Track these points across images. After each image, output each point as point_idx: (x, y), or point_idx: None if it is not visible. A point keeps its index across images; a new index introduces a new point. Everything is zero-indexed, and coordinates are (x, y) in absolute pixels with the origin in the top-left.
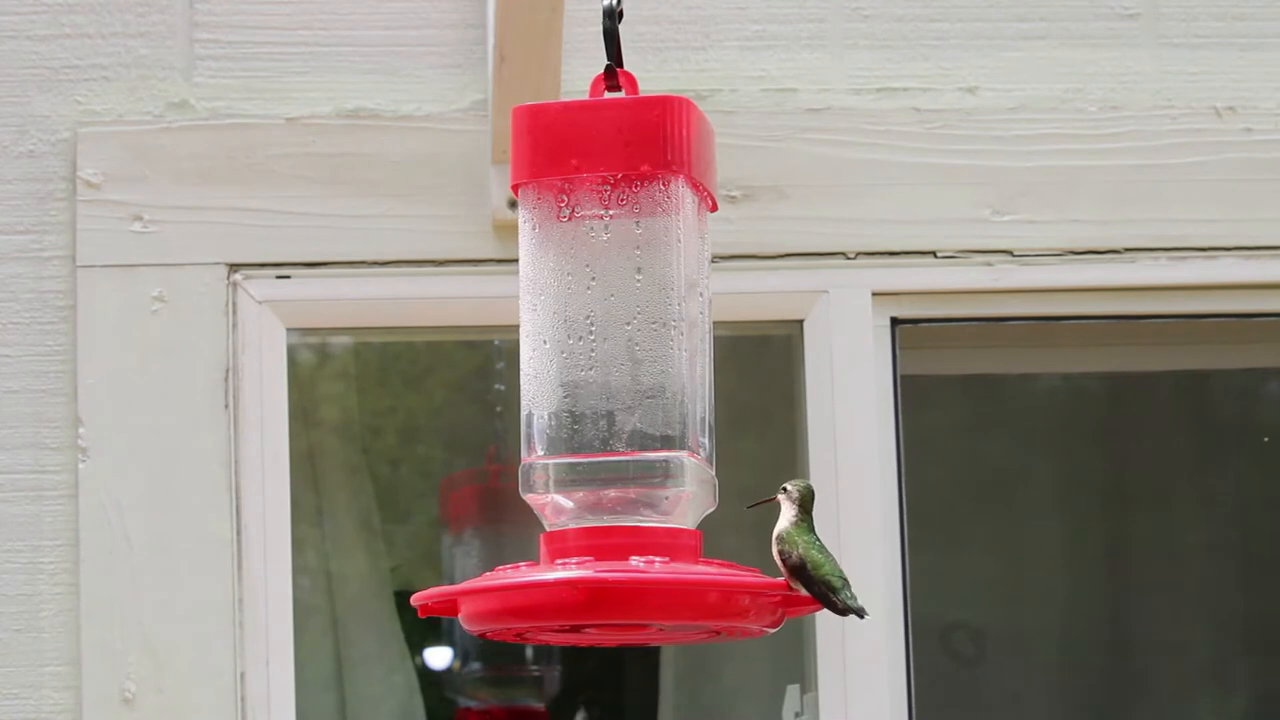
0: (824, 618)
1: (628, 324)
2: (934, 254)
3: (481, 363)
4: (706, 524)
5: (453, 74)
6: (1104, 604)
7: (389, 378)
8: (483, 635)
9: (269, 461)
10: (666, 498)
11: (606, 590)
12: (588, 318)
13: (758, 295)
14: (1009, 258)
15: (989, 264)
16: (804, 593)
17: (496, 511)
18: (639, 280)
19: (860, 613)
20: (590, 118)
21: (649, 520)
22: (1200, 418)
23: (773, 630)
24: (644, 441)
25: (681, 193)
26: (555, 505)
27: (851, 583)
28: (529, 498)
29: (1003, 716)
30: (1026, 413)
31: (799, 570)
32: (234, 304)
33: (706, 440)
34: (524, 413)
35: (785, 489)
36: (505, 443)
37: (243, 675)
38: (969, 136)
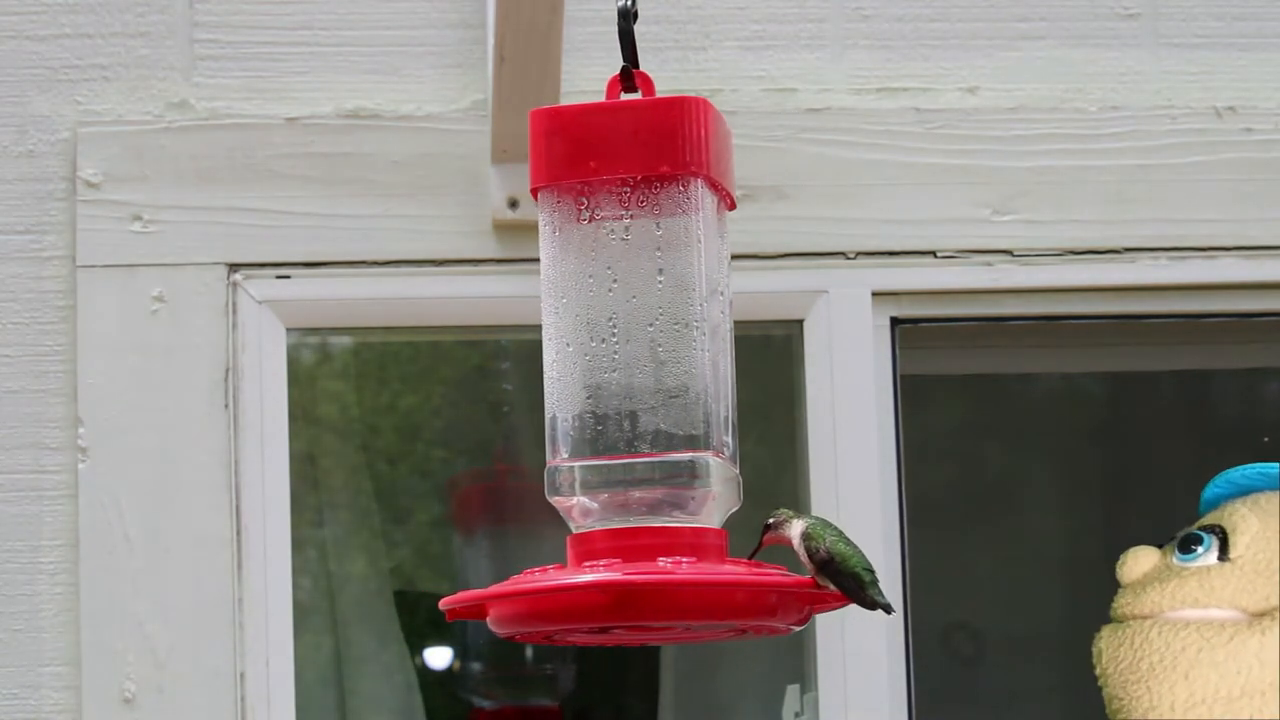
0: (824, 618)
1: (650, 325)
2: (934, 254)
3: (482, 362)
4: (726, 524)
5: (453, 74)
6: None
7: (389, 377)
8: (511, 638)
9: (269, 461)
10: (692, 498)
11: (635, 592)
12: (610, 320)
13: (758, 295)
14: (1009, 258)
15: (989, 264)
16: (831, 588)
17: (504, 511)
18: (660, 281)
19: (888, 608)
20: (607, 120)
21: (675, 521)
22: (1200, 418)
23: (799, 628)
24: (669, 442)
25: (701, 193)
26: (581, 507)
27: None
28: (555, 500)
29: (1003, 716)
30: (1026, 413)
31: (827, 564)
32: (234, 304)
33: (730, 439)
34: (548, 415)
35: (786, 518)
36: (510, 442)
37: (243, 675)
38: (969, 136)
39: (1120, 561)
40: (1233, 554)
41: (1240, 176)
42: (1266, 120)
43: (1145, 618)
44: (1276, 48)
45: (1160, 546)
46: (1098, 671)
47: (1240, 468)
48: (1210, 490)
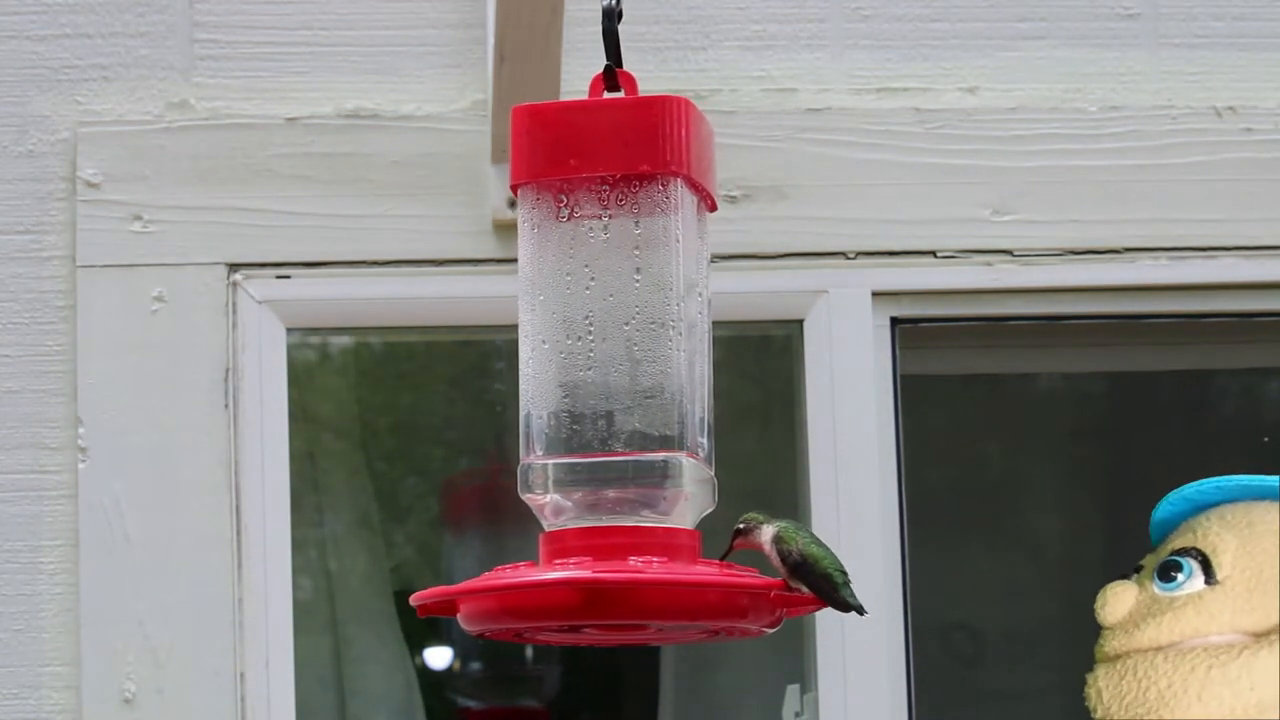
0: (824, 618)
1: (626, 324)
2: (934, 254)
3: (481, 362)
4: (703, 526)
5: (453, 74)
6: None
7: (389, 377)
8: (481, 635)
9: (269, 461)
10: (665, 498)
11: (604, 590)
12: (586, 318)
13: (758, 295)
14: (1009, 258)
15: (989, 264)
16: (804, 591)
17: (497, 511)
18: (638, 281)
19: (860, 609)
20: (589, 118)
21: (648, 520)
22: (1200, 418)
23: (771, 630)
24: (642, 442)
25: (680, 193)
26: (554, 505)
27: (852, 578)
28: (528, 498)
29: (1003, 716)
30: (1026, 413)
31: (799, 567)
32: (234, 304)
33: (705, 440)
34: (523, 413)
35: (757, 522)
36: (506, 442)
37: (243, 675)
38: (969, 136)
39: (1099, 604)
40: (1220, 575)
41: (1240, 176)
42: (1266, 120)
43: (1145, 651)
44: (1276, 48)
45: (1126, 578)
46: (1099, 715)
47: (1194, 484)
48: (1163, 509)
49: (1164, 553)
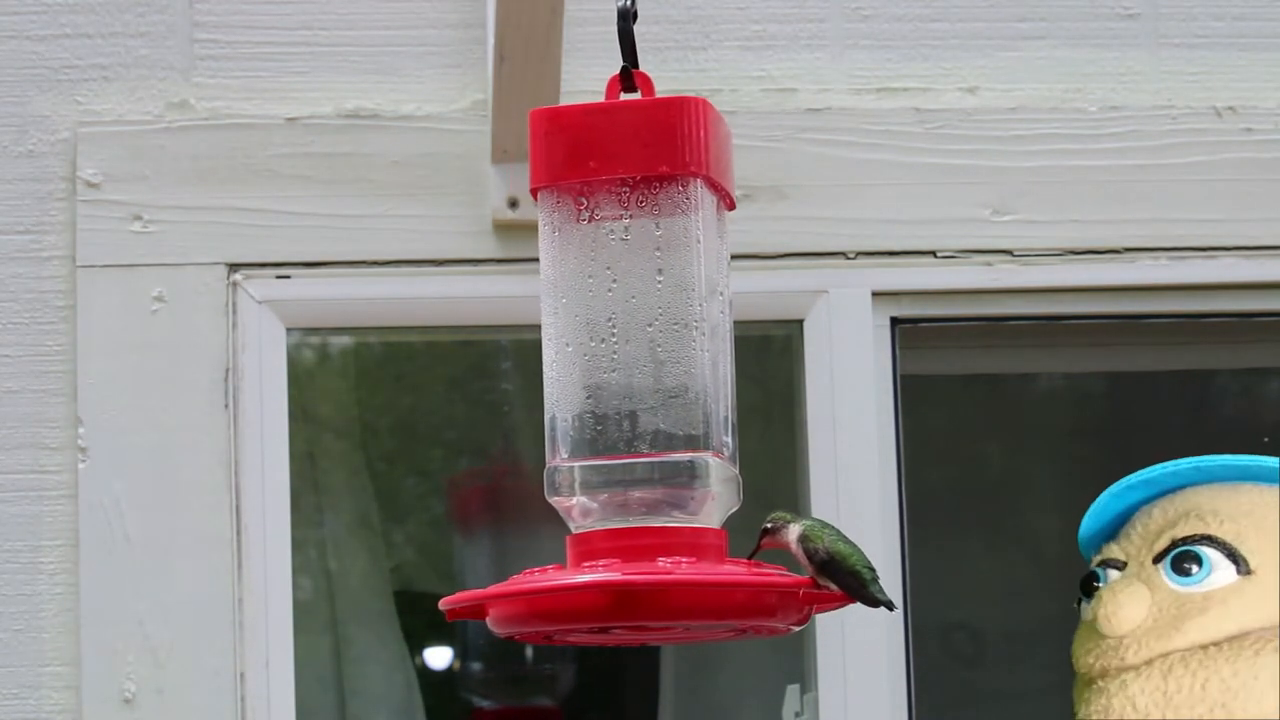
0: (824, 618)
1: (649, 325)
2: (934, 254)
3: (482, 362)
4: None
5: (453, 74)
6: None
7: (389, 377)
8: (510, 638)
9: (269, 461)
10: (692, 498)
11: (634, 592)
12: (609, 320)
13: (758, 295)
14: (1009, 258)
15: (989, 264)
16: (832, 588)
17: (502, 511)
18: (660, 282)
19: (889, 605)
20: (607, 120)
21: (675, 521)
22: (1200, 418)
23: (799, 628)
24: (668, 442)
25: (700, 193)
26: (581, 507)
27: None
28: (555, 500)
29: (1003, 716)
30: (1027, 413)
31: (827, 564)
32: (234, 304)
33: (730, 439)
34: (547, 416)
35: (783, 521)
36: (509, 442)
37: (243, 675)
38: (969, 136)
39: (1108, 611)
40: (1252, 564)
41: (1240, 176)
42: (1266, 120)
43: (1190, 649)
44: (1276, 48)
45: (1094, 581)
46: None
47: (1159, 466)
48: (1124, 497)
49: (1157, 544)
